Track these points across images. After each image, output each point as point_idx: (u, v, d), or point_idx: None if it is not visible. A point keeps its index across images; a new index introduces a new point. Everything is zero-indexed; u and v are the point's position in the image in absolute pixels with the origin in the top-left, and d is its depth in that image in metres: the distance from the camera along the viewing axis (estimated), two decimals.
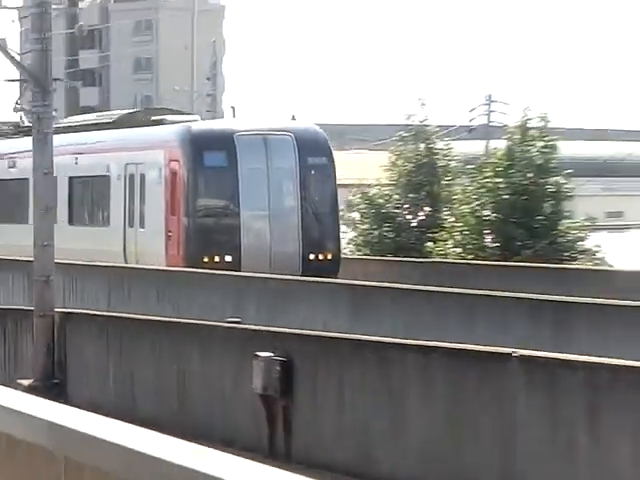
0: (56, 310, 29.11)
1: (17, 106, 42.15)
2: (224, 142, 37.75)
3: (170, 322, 31.12)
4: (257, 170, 37.33)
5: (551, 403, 22.34)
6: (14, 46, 38.31)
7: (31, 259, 41.04)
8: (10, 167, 46.87)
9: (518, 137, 68.17)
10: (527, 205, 63.96)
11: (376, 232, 67.70)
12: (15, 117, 57.46)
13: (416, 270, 50.45)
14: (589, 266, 56.18)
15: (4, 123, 53.35)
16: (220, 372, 27.52)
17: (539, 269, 51.47)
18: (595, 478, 21.25)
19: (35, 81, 29.23)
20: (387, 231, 66.94)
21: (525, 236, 62.81)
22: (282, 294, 33.85)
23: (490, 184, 63.27)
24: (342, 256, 42.58)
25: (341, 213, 48.54)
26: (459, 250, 61.68)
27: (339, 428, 25.15)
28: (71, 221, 44.57)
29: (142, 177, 40.00)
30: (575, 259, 54.35)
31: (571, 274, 47.33)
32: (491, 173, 65.70)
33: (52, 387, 25.11)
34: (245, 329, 29.22)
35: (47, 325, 27.73)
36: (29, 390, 20.22)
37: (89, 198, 45.90)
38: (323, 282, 35.01)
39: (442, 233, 63.11)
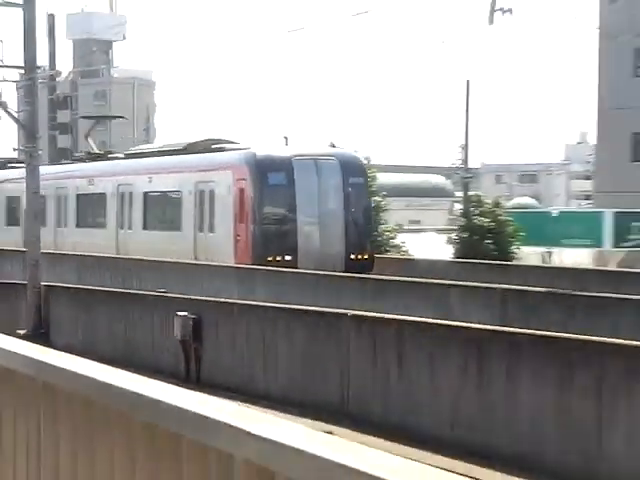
0: (42, 284, 30.92)
1: (16, 149, 46.89)
2: (284, 164, 39.66)
3: (119, 292, 33.40)
4: (310, 187, 39.26)
5: (373, 348, 24.71)
6: (13, 106, 38.97)
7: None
8: (89, 184, 49.50)
9: None
10: None
11: None
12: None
13: None
14: (398, 256, 59.16)
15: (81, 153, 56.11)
16: (152, 325, 30.00)
17: None
18: (401, 399, 23.36)
19: (27, 131, 31.48)
20: None
21: None
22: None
23: None
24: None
25: None
26: None
27: (232, 362, 27.72)
28: (145, 227, 46.60)
29: (211, 192, 41.65)
30: (388, 251, 59.28)
31: (385, 261, 48.72)
32: None
33: (39, 336, 27.25)
34: (168, 296, 31.65)
35: (36, 294, 29.67)
36: (23, 337, 21.50)
37: (161, 208, 47.66)
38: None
39: None
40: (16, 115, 35.90)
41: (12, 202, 55.64)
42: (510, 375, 21.56)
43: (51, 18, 64.20)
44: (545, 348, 21.31)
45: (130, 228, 46.82)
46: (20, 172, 52.48)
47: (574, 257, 56.78)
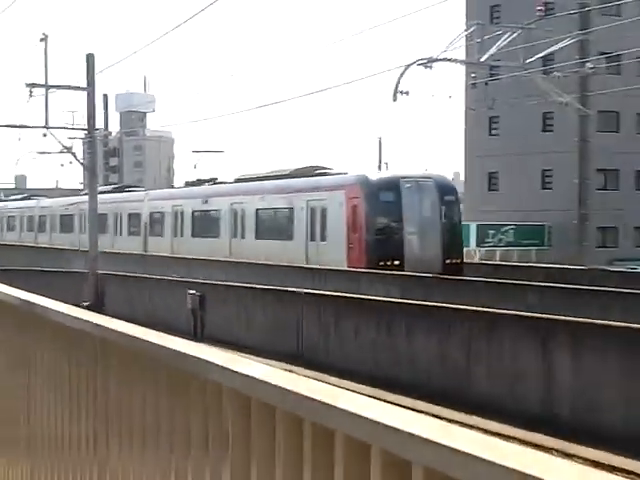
0: (99, 272, 30.60)
1: (81, 182, 45.26)
2: (392, 185, 34.97)
3: (150, 277, 32.78)
4: (413, 203, 34.81)
5: (318, 315, 24.51)
6: (79, 155, 38.40)
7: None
8: (203, 203, 44.58)
9: None
10: None
11: None
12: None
13: None
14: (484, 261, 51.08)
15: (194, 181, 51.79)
16: (173, 299, 29.47)
17: None
18: (337, 349, 23.24)
19: (89, 171, 31.67)
20: None
21: None
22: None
23: None
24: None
25: None
26: None
27: (224, 324, 27.34)
28: (257, 237, 40.71)
29: (322, 208, 36.33)
30: None
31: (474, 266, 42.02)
32: None
33: (98, 306, 27.02)
34: (183, 280, 31.21)
35: (94, 279, 29.62)
36: (86, 308, 20.31)
37: (273, 222, 41.24)
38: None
39: None
40: (82, 160, 35.16)
41: (133, 217, 51.14)
42: (409, 333, 21.56)
43: (105, 97, 64.06)
44: (429, 315, 21.42)
45: (243, 237, 41.83)
46: (137, 195, 52.93)
47: None
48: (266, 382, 2.49)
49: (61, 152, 38.53)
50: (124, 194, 54.10)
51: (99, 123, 42.66)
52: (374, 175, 37.57)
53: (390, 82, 38.55)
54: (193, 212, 45.27)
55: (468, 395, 18.82)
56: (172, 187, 54.74)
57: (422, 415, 2.05)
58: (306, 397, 2.28)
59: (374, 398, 2.25)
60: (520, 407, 17.64)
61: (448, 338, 20.35)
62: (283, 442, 2.43)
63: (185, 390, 3.11)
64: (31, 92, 33.25)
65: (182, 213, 45.74)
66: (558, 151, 26.92)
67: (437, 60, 32.62)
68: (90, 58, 31.17)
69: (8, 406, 6.15)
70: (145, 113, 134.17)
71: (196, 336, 26.53)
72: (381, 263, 32.77)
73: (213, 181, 49.63)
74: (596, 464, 13.21)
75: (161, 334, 3.56)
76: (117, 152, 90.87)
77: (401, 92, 32.02)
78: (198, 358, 2.96)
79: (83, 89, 31.98)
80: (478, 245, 58.75)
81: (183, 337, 3.58)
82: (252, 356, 20.55)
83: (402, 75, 31.58)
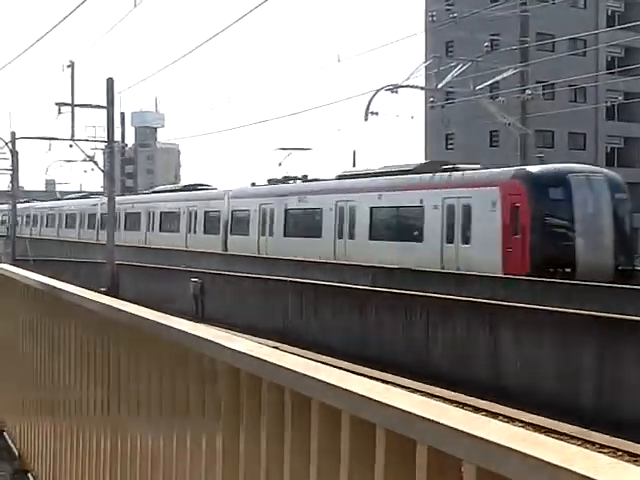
0: (115, 262, 30.21)
1: (102, 186, 43.28)
2: (561, 180, 26.64)
3: (160, 268, 32.43)
4: (585, 202, 26.87)
5: (301, 301, 24.25)
6: (100, 163, 37.86)
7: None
8: (300, 201, 35.44)
9: None
10: None
11: None
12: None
13: None
14: None
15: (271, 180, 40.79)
16: (178, 287, 29.18)
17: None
18: (317, 329, 22.93)
19: (109, 177, 31.77)
20: None
21: None
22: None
23: None
24: None
25: None
26: None
27: (221, 307, 27.08)
28: (371, 237, 31.61)
29: (465, 207, 27.73)
30: None
31: None
32: None
33: (114, 291, 26.50)
34: (186, 270, 30.63)
35: (111, 267, 29.41)
36: (103, 293, 18.74)
37: (393, 222, 31.81)
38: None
39: None
40: (102, 168, 35.02)
41: (211, 216, 41.14)
42: (378, 316, 21.37)
43: (122, 114, 63.42)
44: (394, 301, 21.16)
45: (352, 238, 32.58)
46: (217, 193, 42.81)
47: None
48: (253, 356, 2.48)
49: (84, 160, 38.41)
50: (199, 192, 44.84)
51: (117, 136, 42.40)
52: (535, 169, 28.61)
53: (362, 104, 38.61)
54: (286, 210, 36.34)
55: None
56: (254, 185, 42.57)
57: (386, 385, 2.05)
58: (287, 369, 2.27)
59: (347, 370, 2.25)
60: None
61: (410, 319, 20.13)
62: (267, 408, 2.42)
63: (184, 363, 3.08)
64: (60, 110, 33.17)
65: (272, 211, 36.76)
66: (503, 164, 27.02)
67: (401, 86, 32.66)
68: (110, 82, 31.14)
69: (35, 375, 6.10)
70: (156, 128, 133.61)
71: (197, 316, 26.56)
72: (550, 270, 24.80)
73: (304, 178, 40.14)
74: (535, 427, 13.19)
75: (164, 315, 3.50)
76: (132, 161, 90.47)
77: (371, 113, 31.97)
78: (195, 335, 2.94)
79: (103, 107, 31.87)
80: None
81: (187, 317, 3.56)
82: (243, 334, 20.22)
83: (372, 98, 31.61)
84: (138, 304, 4.05)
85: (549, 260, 25.33)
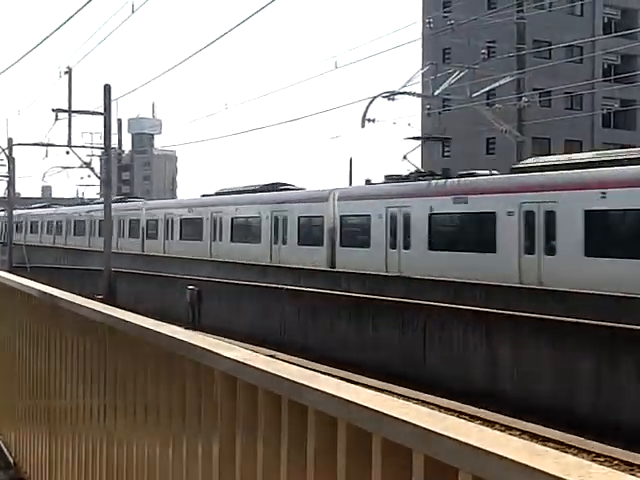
0: (112, 269, 29.66)
1: (98, 193, 42.18)
2: None
3: (156, 274, 32.14)
4: None
5: (297, 309, 24.09)
6: (97, 169, 37.23)
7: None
8: (456, 202, 25.51)
9: None
10: None
11: None
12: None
13: None
14: None
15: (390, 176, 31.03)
16: (175, 294, 29.28)
17: None
18: (317, 336, 22.84)
19: (105, 183, 31.32)
20: None
21: None
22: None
23: None
24: None
25: None
26: None
27: (217, 314, 26.96)
28: (431, 247, 25.39)
29: (564, 212, 21.58)
30: None
31: None
32: None
33: (110, 298, 25.91)
34: (183, 277, 30.49)
35: (108, 274, 28.86)
36: (100, 300, 19.31)
37: (462, 229, 25.39)
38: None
39: None
40: (99, 174, 35.07)
41: (308, 222, 31.79)
42: (375, 324, 21.35)
43: (119, 121, 63.84)
44: (392, 311, 21.03)
45: (407, 248, 26.45)
46: (319, 193, 32.37)
47: None
48: (249, 365, 2.48)
49: (81, 167, 38.36)
50: (288, 192, 35.02)
51: (114, 143, 42.41)
52: None
53: (359, 111, 38.59)
54: (431, 215, 26.24)
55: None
56: (369, 182, 33.54)
57: (381, 394, 2.04)
58: (284, 378, 2.28)
59: (343, 379, 2.27)
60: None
61: (407, 328, 20.14)
62: (264, 416, 2.42)
63: (181, 371, 3.07)
64: (57, 116, 33.15)
65: (409, 217, 27.17)
66: (499, 172, 26.96)
67: (398, 93, 32.67)
68: (107, 88, 31.05)
69: (30, 382, 6.08)
70: (153, 135, 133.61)
71: (194, 323, 26.62)
72: None
73: (444, 175, 30.11)
74: (532, 436, 13.21)
75: (161, 323, 3.49)
76: (129, 167, 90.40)
77: (368, 120, 32.00)
78: (192, 344, 2.94)
79: (100, 114, 31.88)
80: None
81: (183, 325, 3.55)
82: (240, 342, 20.17)
83: (369, 105, 31.60)
84: (135, 311, 4.04)
85: None
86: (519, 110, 37.82)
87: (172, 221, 40.18)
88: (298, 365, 2.58)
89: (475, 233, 24.91)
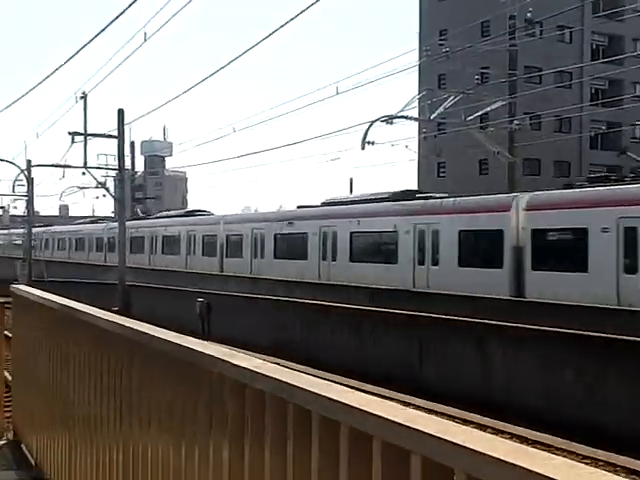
0: (126, 283, 29.88)
1: (113, 211, 40.92)
2: None
3: (168, 288, 31.69)
4: None
5: (303, 320, 24.02)
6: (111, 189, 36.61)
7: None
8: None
9: None
10: None
11: None
12: None
13: None
14: None
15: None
16: (185, 306, 28.78)
17: None
18: (320, 344, 22.69)
19: (119, 203, 31.44)
20: None
21: None
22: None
23: None
24: None
25: None
26: None
27: (225, 325, 26.68)
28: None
29: None
30: None
31: None
32: None
33: (126, 310, 26.03)
34: (193, 290, 30.07)
35: (123, 288, 29.17)
36: (116, 312, 22.01)
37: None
38: None
39: None
40: (114, 194, 35.09)
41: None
42: (375, 337, 21.02)
43: (132, 143, 63.63)
44: (391, 321, 20.74)
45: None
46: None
47: None
48: (257, 372, 2.50)
49: (97, 187, 38.37)
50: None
51: (127, 164, 42.46)
52: None
53: (359, 134, 38.59)
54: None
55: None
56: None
57: (379, 399, 2.06)
58: (290, 384, 2.29)
59: (348, 386, 2.26)
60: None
61: (405, 342, 19.90)
62: (271, 422, 2.43)
63: (193, 379, 3.07)
64: (73, 139, 33.17)
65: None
66: (492, 192, 26.97)
67: (396, 117, 32.74)
68: (120, 113, 31.16)
69: (50, 389, 6.02)
70: (164, 157, 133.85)
71: (204, 334, 26.41)
72: None
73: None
74: (522, 439, 13.16)
75: (174, 333, 3.46)
76: (142, 187, 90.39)
77: (368, 142, 32.05)
78: (203, 353, 2.95)
79: (114, 137, 31.97)
80: None
81: (193, 335, 3.49)
82: (246, 350, 20.43)
83: (368, 128, 31.68)
84: (150, 322, 4.01)
85: None
86: (510, 133, 37.89)
87: (263, 237, 32.58)
88: (304, 372, 2.58)
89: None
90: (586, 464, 1.47)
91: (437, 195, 27.58)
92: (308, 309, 24.11)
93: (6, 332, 8.29)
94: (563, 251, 21.46)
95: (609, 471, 9.96)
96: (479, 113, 34.64)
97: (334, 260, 28.20)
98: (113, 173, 37.95)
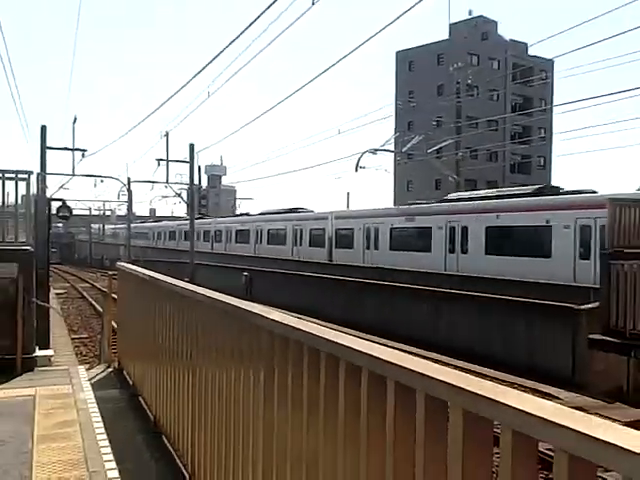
0: (195, 262, 28.72)
1: (186, 212, 40.65)
2: None
3: (222, 265, 30.68)
4: None
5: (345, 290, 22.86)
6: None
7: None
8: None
9: None
10: None
11: None
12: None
13: None
14: None
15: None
16: (235, 278, 27.87)
17: None
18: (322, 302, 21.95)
19: (190, 207, 30.93)
20: None
21: None
22: None
23: None
24: None
25: None
26: None
27: (263, 291, 25.19)
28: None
29: None
30: None
31: None
32: None
33: (192, 281, 23.33)
34: (240, 267, 29.04)
35: (192, 266, 28.15)
36: (186, 282, 19.63)
37: None
38: None
39: None
40: (186, 201, 34.98)
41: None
42: (393, 304, 18.12)
43: (199, 167, 62.71)
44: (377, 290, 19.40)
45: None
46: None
47: None
48: (289, 325, 2.26)
49: (174, 196, 38.37)
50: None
51: (195, 181, 42.23)
52: None
53: (353, 161, 38.18)
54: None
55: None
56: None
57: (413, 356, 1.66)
58: (340, 344, 1.84)
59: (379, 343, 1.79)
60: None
61: (416, 307, 16.87)
62: (366, 394, 1.76)
63: (240, 328, 2.79)
64: (159, 163, 33.06)
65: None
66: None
67: (379, 150, 32.60)
68: (191, 146, 30.84)
69: (141, 334, 5.72)
70: (221, 176, 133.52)
71: (247, 296, 26.08)
72: None
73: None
74: (487, 377, 11.81)
75: (224, 295, 3.21)
76: (205, 197, 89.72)
77: (360, 167, 31.84)
78: (248, 310, 2.70)
79: (187, 162, 31.86)
80: None
81: (241, 297, 3.18)
82: (281, 310, 19.77)
83: (360, 157, 31.53)
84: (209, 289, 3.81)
85: None
86: (457, 161, 37.71)
87: (377, 230, 25.61)
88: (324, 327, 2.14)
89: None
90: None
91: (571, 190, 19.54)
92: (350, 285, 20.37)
93: (113, 294, 8.26)
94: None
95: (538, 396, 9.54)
96: (436, 147, 34.48)
97: (464, 253, 20.79)
98: (186, 187, 37.86)
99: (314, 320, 15.95)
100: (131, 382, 6.46)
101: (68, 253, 65.23)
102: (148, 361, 5.46)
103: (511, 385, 10.92)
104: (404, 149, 34.21)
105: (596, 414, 8.43)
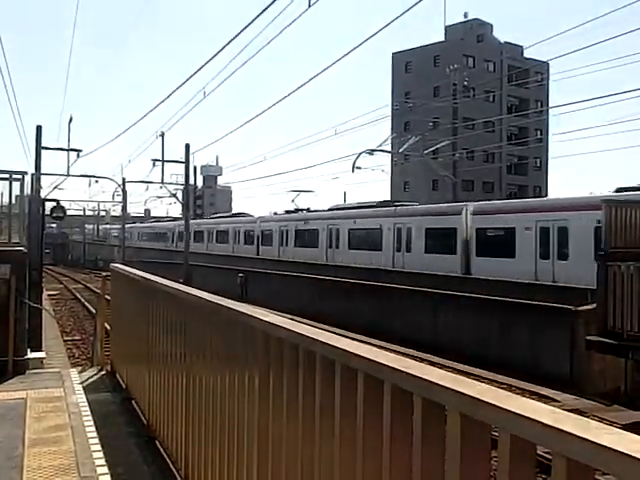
0: (189, 263, 28.37)
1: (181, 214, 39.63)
2: None
3: (217, 267, 30.84)
4: None
5: (343, 291, 23.55)
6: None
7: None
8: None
9: None
10: None
11: None
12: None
13: None
14: None
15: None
16: (230, 279, 27.90)
17: None
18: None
19: (185, 206, 30.67)
20: None
21: None
22: None
23: None
24: None
25: None
26: None
27: (259, 292, 25.39)
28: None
29: None
30: None
31: None
32: None
33: (187, 282, 23.43)
34: (235, 268, 29.12)
35: (187, 267, 27.70)
36: (180, 283, 16.43)
37: None
38: None
39: None
40: (182, 201, 34.81)
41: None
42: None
43: (194, 167, 62.54)
44: (369, 290, 19.78)
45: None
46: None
47: None
48: (277, 325, 2.25)
49: (169, 197, 38.26)
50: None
51: (191, 181, 42.17)
52: None
53: (350, 161, 38.26)
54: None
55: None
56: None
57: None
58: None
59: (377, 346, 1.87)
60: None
61: (414, 307, 17.54)
62: (363, 397, 1.74)
63: (230, 328, 2.79)
64: (154, 164, 33.01)
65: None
66: (441, 202, 26.76)
67: (375, 150, 32.58)
68: (187, 146, 30.78)
69: (134, 336, 5.69)
70: (216, 176, 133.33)
71: (242, 298, 25.86)
72: None
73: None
74: (484, 379, 11.94)
75: (217, 296, 3.20)
76: (200, 197, 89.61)
77: (357, 167, 31.83)
78: (239, 311, 2.68)
79: (182, 162, 31.78)
80: None
81: (235, 299, 3.17)
82: (274, 311, 19.61)
83: (357, 158, 31.49)
84: (205, 290, 3.79)
85: None
86: (454, 162, 37.73)
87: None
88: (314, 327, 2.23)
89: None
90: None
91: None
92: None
93: (106, 296, 8.21)
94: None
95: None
96: (432, 148, 34.46)
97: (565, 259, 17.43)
98: (181, 187, 37.82)
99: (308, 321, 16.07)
100: (124, 385, 6.43)
101: (62, 254, 64.90)
102: (141, 364, 5.41)
103: (508, 387, 11.08)
104: (401, 150, 34.18)
105: (594, 417, 8.46)
